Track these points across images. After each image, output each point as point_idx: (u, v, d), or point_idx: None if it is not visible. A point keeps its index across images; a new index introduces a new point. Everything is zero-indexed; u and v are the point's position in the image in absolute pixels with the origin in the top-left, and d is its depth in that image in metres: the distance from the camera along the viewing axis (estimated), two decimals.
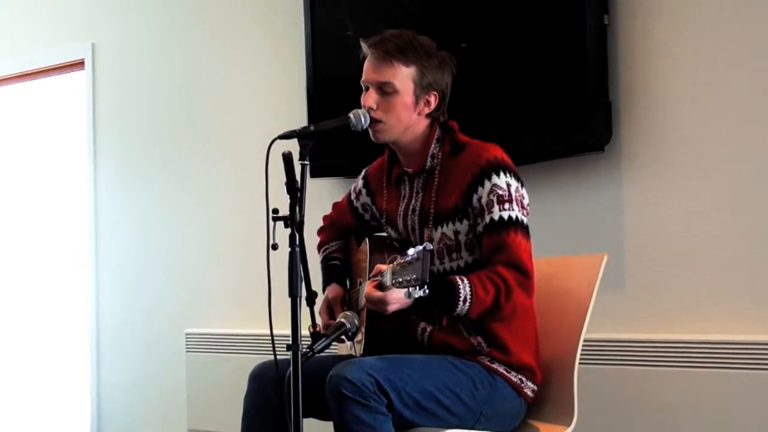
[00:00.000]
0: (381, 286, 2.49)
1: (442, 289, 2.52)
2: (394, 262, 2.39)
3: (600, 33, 3.41)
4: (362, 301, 2.68)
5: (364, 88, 2.74)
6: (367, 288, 2.53)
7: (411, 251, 2.34)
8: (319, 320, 2.73)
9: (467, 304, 2.52)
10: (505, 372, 2.68)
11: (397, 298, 2.51)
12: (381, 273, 2.49)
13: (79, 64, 5.32)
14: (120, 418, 5.07)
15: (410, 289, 2.33)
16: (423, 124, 2.75)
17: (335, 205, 3.13)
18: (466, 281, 2.53)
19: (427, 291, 2.32)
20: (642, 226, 3.43)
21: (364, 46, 2.73)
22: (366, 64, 2.73)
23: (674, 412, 3.23)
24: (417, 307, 2.60)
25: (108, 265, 5.15)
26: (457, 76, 2.79)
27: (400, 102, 2.69)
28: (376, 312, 2.59)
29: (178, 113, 4.89)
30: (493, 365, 2.67)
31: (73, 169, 5.47)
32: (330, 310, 2.90)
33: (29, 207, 5.78)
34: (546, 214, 3.49)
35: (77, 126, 5.37)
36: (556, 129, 3.50)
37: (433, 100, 2.73)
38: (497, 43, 3.64)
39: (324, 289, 2.95)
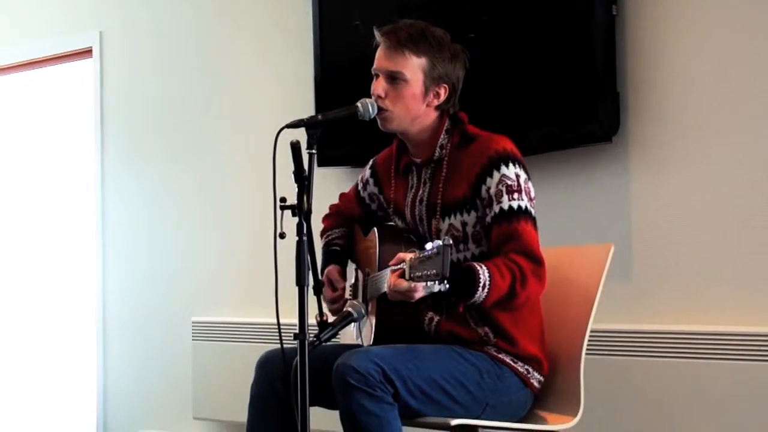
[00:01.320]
0: (405, 275, 2.47)
1: (461, 275, 2.50)
2: (412, 256, 2.39)
3: (608, 23, 3.40)
4: (379, 291, 2.67)
5: (374, 75, 2.74)
6: (392, 278, 2.49)
7: (429, 245, 2.33)
8: (325, 307, 2.73)
9: (486, 290, 2.50)
10: (511, 362, 2.68)
11: (422, 286, 2.50)
12: (404, 262, 2.47)
13: (87, 52, 5.32)
14: (126, 406, 5.09)
15: (429, 283, 2.33)
16: (432, 115, 2.75)
17: (342, 196, 3.13)
18: (484, 267, 2.52)
19: (447, 286, 2.32)
20: (649, 217, 3.43)
21: (377, 34, 2.73)
22: (378, 52, 2.73)
23: (680, 403, 3.23)
24: (432, 294, 2.58)
25: (115, 253, 5.15)
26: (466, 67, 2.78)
27: (409, 92, 2.69)
28: (386, 302, 2.59)
29: (185, 102, 4.89)
30: (500, 355, 2.67)
31: (80, 157, 5.48)
32: (332, 285, 2.90)
33: (36, 196, 5.79)
34: (553, 204, 3.49)
35: (85, 114, 5.37)
36: (563, 119, 3.49)
37: (443, 93, 2.72)
38: (505, 34, 3.63)
39: (322, 271, 2.95)
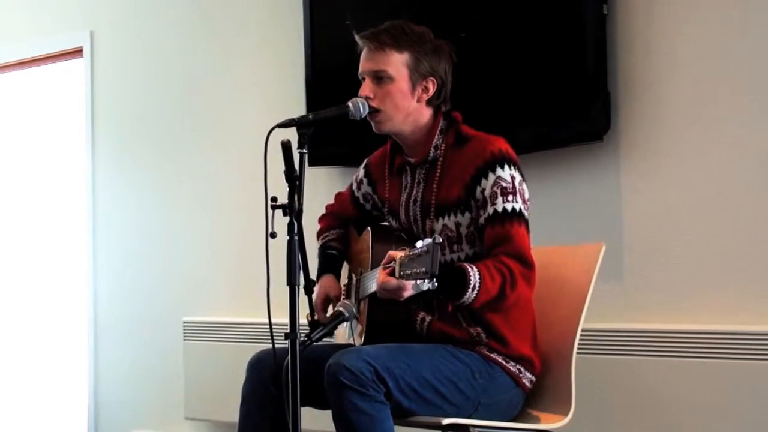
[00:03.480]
0: (395, 274, 2.46)
1: (451, 275, 2.51)
2: (402, 254, 2.39)
3: (599, 22, 3.40)
4: (369, 290, 2.67)
5: (361, 80, 2.74)
6: (381, 276, 2.49)
7: (419, 243, 2.33)
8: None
9: (475, 292, 2.51)
10: (503, 362, 2.68)
11: (412, 284, 2.49)
12: (395, 260, 2.47)
13: (77, 52, 5.31)
14: (117, 406, 5.08)
15: (418, 281, 2.33)
16: (425, 113, 2.75)
17: (338, 195, 3.13)
18: (475, 269, 2.52)
19: (435, 284, 2.32)
20: (640, 216, 3.43)
21: (358, 39, 2.74)
22: (361, 57, 2.74)
23: (672, 402, 3.23)
24: (421, 293, 2.58)
25: (106, 253, 5.14)
26: (456, 65, 2.78)
27: (396, 89, 2.69)
28: (377, 301, 2.59)
29: (176, 102, 4.88)
30: (492, 355, 2.67)
31: (70, 157, 5.46)
32: (327, 300, 2.90)
33: (27, 196, 5.78)
34: (544, 203, 3.49)
35: (75, 114, 5.36)
36: (554, 118, 3.49)
37: (432, 87, 2.72)
38: (496, 33, 3.64)
39: (318, 277, 2.95)
